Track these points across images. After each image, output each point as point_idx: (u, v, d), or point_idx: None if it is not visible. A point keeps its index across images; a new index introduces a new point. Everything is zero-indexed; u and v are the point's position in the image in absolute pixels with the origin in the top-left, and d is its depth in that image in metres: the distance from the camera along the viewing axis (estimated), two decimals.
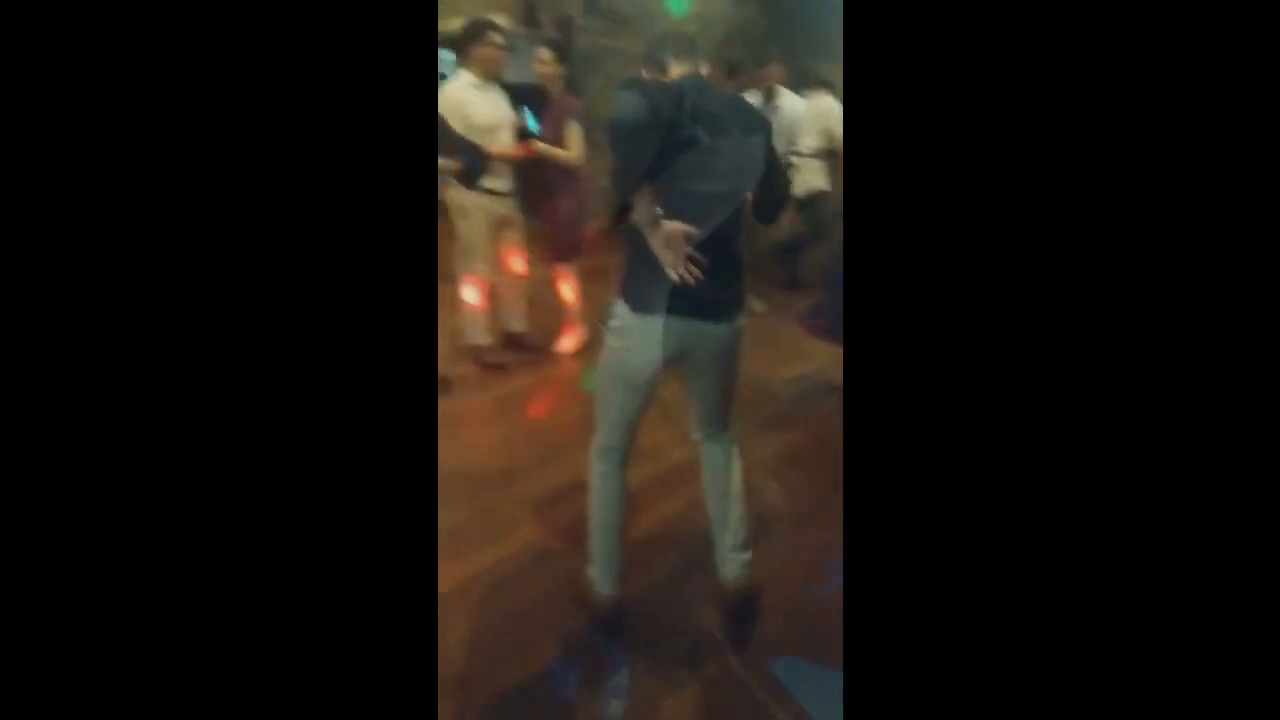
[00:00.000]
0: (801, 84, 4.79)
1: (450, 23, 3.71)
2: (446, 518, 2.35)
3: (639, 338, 1.68)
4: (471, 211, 3.30)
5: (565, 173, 3.43)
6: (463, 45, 3.20)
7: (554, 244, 3.67)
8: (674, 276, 1.54)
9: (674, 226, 1.52)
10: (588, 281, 3.76)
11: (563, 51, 3.47)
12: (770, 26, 6.94)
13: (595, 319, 3.93)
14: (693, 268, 1.54)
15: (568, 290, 3.77)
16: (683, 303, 1.63)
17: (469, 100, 3.14)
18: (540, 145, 3.35)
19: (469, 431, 2.98)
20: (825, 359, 3.57)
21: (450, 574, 2.07)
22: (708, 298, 1.65)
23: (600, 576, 1.87)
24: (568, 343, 3.84)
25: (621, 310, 1.71)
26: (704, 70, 1.77)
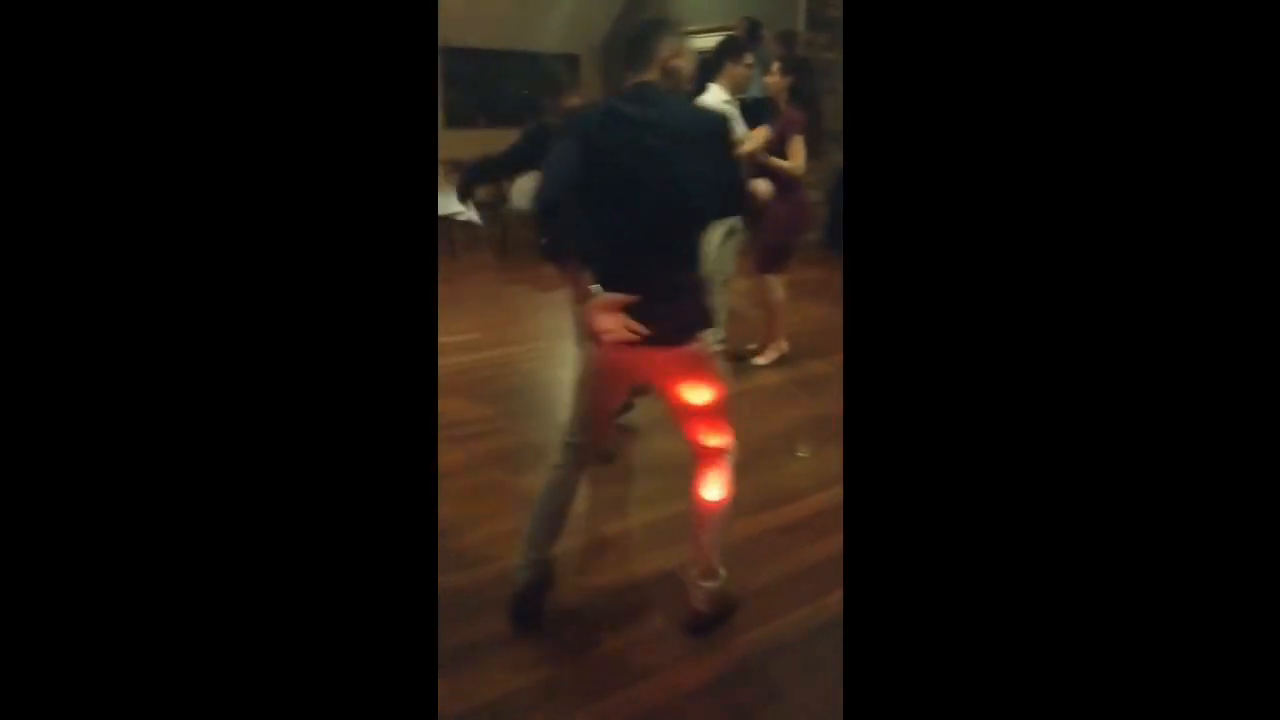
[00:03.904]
0: None
1: (704, 39, 3.90)
2: (631, 516, 2.43)
3: (635, 365, 1.72)
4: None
5: (784, 184, 3.43)
6: (717, 62, 3.35)
7: (765, 254, 3.68)
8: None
9: (607, 301, 1.60)
10: (795, 295, 3.71)
11: (790, 65, 3.54)
12: None
13: (796, 332, 3.89)
14: (636, 327, 1.59)
15: (774, 298, 3.75)
16: (676, 331, 1.64)
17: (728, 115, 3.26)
18: (765, 156, 3.41)
19: (666, 435, 3.05)
20: None
21: (649, 566, 2.14)
22: (657, 322, 1.60)
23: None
24: (767, 356, 3.82)
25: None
26: (653, 76, 1.64)
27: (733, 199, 1.75)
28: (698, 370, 1.72)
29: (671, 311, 1.63)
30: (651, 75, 1.63)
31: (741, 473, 2.72)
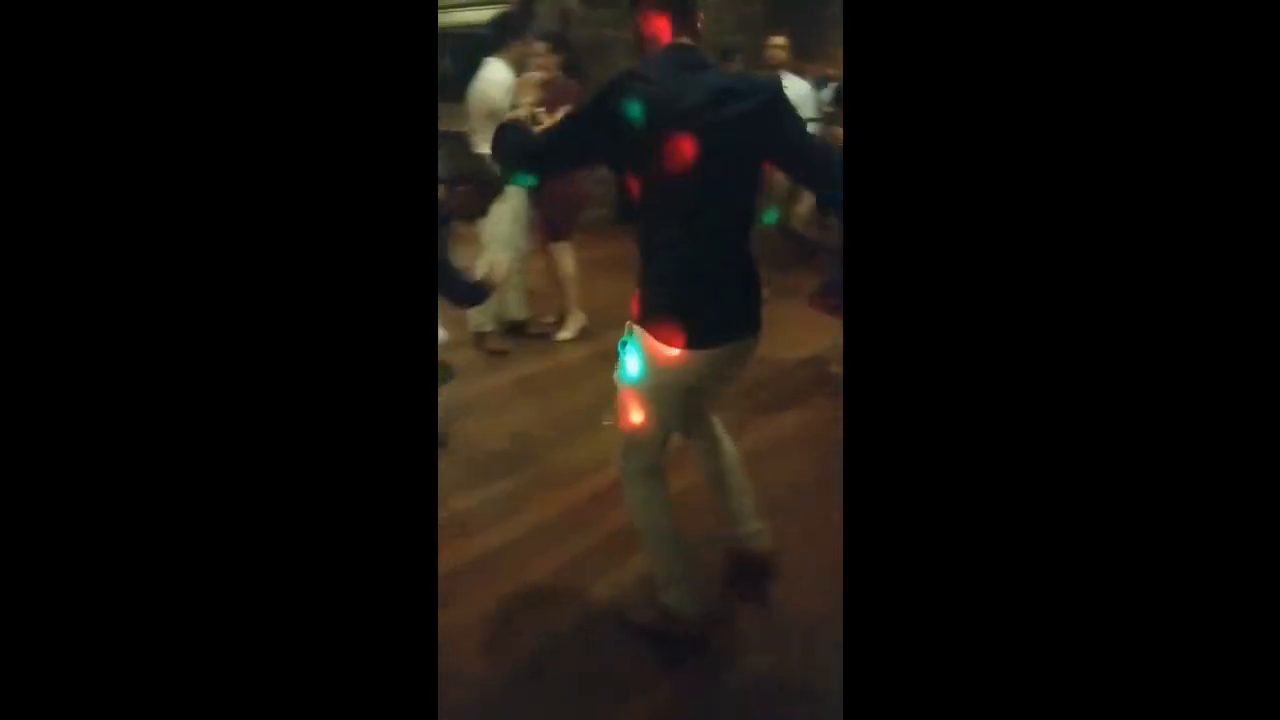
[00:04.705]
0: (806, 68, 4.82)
1: (478, 12, 3.87)
2: (455, 502, 2.39)
3: (688, 366, 1.56)
4: (509, 196, 3.31)
5: None
6: (498, 38, 3.37)
7: (548, 224, 3.71)
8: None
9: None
10: (590, 272, 3.80)
11: (558, 42, 3.60)
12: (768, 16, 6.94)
13: (592, 306, 3.99)
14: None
15: (565, 270, 3.79)
16: (723, 329, 1.54)
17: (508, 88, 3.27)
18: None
19: (476, 416, 3.02)
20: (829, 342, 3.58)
21: (456, 556, 2.12)
22: (738, 315, 1.56)
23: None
24: (569, 329, 3.88)
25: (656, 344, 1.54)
26: (689, 40, 1.48)
27: (823, 166, 1.52)
28: (743, 364, 1.64)
29: (737, 304, 1.55)
30: (690, 38, 1.47)
31: (551, 446, 2.78)
